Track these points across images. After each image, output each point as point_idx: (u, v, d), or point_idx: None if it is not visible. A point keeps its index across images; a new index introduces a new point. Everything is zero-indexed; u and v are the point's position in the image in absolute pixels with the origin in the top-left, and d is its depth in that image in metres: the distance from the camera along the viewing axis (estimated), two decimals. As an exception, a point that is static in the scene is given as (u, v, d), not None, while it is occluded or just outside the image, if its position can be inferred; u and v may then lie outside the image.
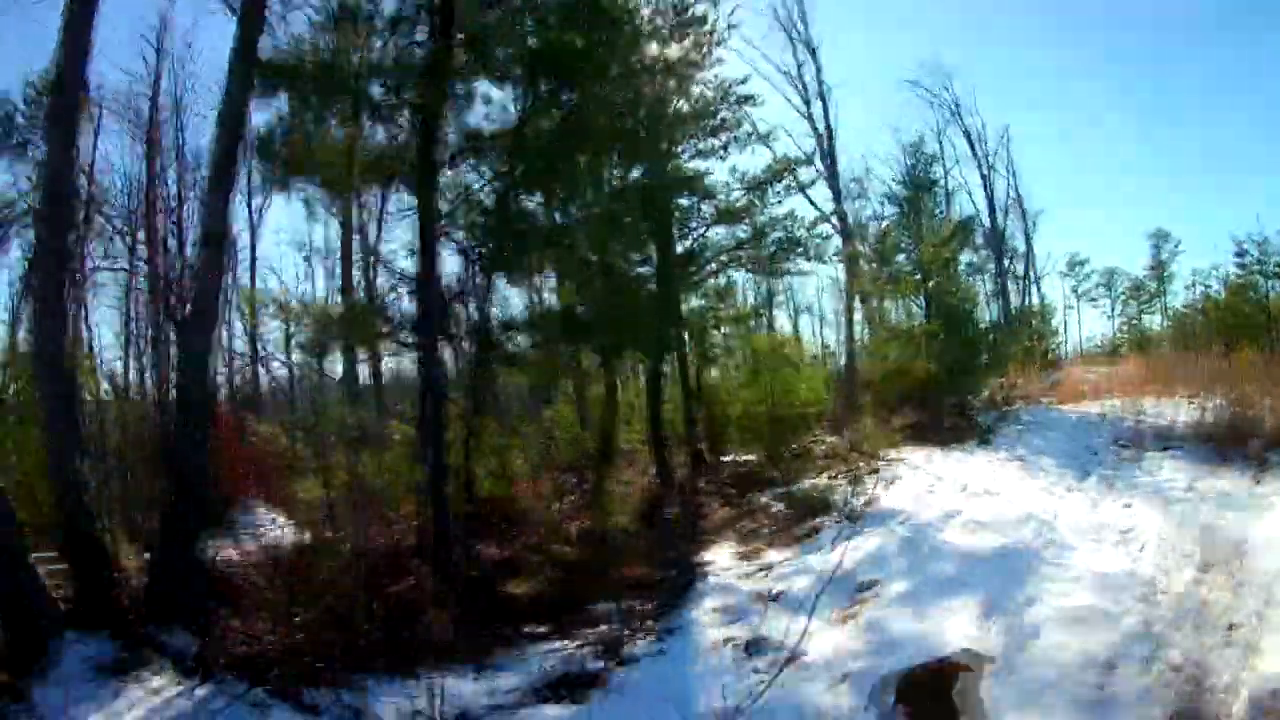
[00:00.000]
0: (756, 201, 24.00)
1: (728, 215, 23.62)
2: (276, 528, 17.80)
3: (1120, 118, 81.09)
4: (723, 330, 27.32)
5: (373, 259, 21.47)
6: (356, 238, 33.59)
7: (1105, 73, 79.28)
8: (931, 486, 16.53)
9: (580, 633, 11.90)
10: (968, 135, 45.81)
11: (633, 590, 13.38)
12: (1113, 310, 63.74)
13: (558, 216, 17.54)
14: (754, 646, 10.31)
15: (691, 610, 11.97)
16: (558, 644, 11.59)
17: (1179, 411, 19.40)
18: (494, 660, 11.25)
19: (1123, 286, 62.69)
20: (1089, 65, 79.60)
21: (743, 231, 24.37)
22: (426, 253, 15.60)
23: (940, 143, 44.83)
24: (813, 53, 37.42)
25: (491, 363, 17.62)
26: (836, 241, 28.67)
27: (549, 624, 12.49)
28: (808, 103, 37.21)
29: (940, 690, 8.73)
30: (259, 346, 33.96)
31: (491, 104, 16.70)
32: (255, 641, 11.58)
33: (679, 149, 22.67)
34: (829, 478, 18.98)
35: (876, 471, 18.62)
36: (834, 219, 34.11)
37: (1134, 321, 60.48)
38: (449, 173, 16.68)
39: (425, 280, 15.64)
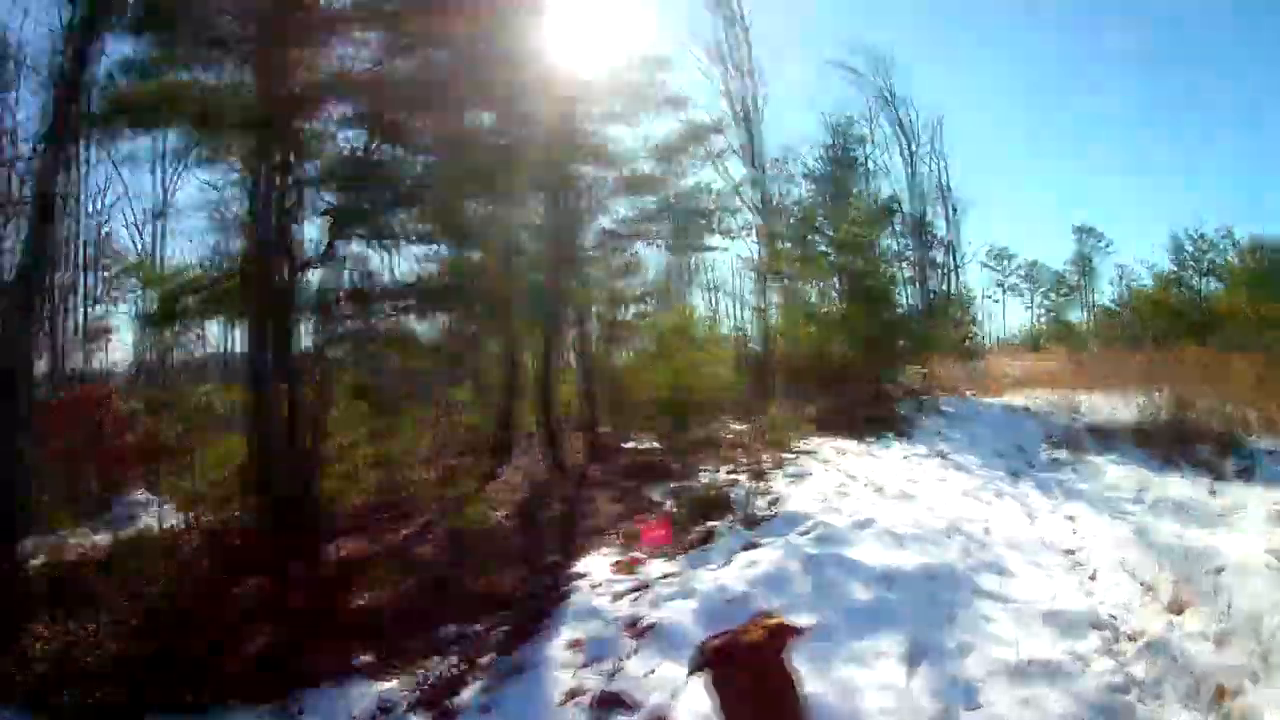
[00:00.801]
0: (667, 172, 21.54)
1: (634, 184, 21.10)
2: (156, 515, 16.26)
3: (1055, 114, 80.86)
4: (629, 308, 25.05)
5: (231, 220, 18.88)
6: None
7: (1043, 68, 79.02)
8: (843, 485, 14.16)
9: (413, 665, 9.54)
10: (898, 122, 44.22)
11: (490, 607, 10.93)
12: (1033, 303, 62.78)
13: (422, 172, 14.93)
14: (607, 705, 7.81)
15: (545, 642, 9.44)
16: (383, 682, 9.25)
17: (1116, 409, 17.50)
18: (300, 700, 8.94)
19: (1046, 280, 61.79)
20: (1027, 59, 79.24)
21: (649, 203, 21.87)
22: (263, 210, 13.09)
23: (870, 128, 43.26)
24: (742, 27, 35.61)
25: (339, 337, 15.14)
26: (747, 216, 26.32)
27: (382, 650, 10.03)
28: (735, 80, 35.48)
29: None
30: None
31: (356, 44, 14.23)
32: (65, 656, 9.79)
33: (577, 108, 20.05)
34: (730, 471, 16.59)
35: (783, 465, 16.32)
36: (754, 198, 32.29)
37: (1056, 315, 59.42)
38: (307, 125, 14.15)
39: (260, 240, 13.17)
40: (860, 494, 13.46)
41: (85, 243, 35.63)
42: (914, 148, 44.71)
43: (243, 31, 13.16)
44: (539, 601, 10.80)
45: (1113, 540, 10.36)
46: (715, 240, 23.79)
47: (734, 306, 47.15)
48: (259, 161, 13.35)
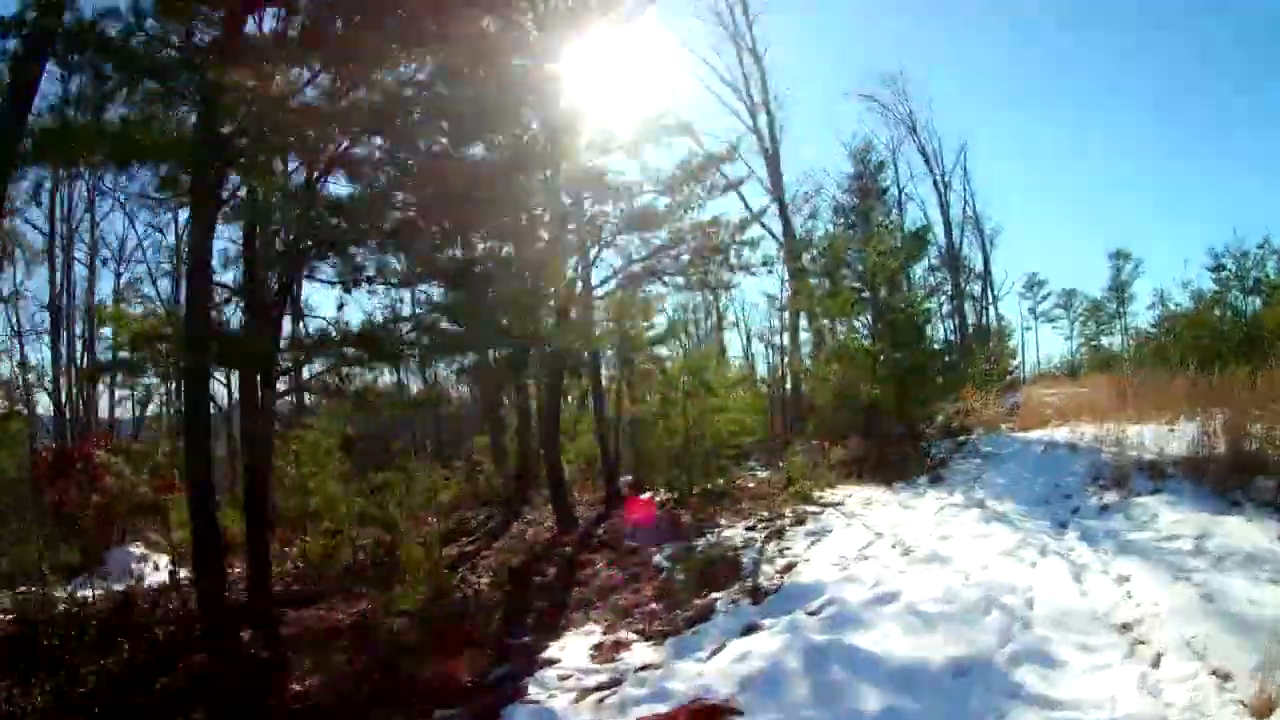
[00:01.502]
0: (678, 204, 19.69)
1: (642, 219, 19.28)
2: (148, 567, 16.20)
3: (1082, 136, 78.89)
4: (646, 351, 23.34)
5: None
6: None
7: (1067, 88, 77.48)
8: (868, 545, 12.31)
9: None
10: (922, 151, 42.70)
11: (436, 702, 9.07)
12: (1071, 331, 60.93)
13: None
14: None
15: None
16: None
17: (1165, 440, 15.62)
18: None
19: (1082, 307, 60.05)
20: (1050, 80, 77.40)
21: (660, 238, 19.97)
22: (198, 249, 11.54)
23: (895, 160, 41.76)
24: (757, 60, 34.55)
25: (290, 392, 13.58)
26: (767, 248, 24.41)
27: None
28: (754, 115, 34.51)
29: None
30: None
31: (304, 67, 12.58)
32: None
33: (577, 139, 18.20)
34: (748, 527, 14.93)
35: (804, 520, 14.56)
36: (779, 232, 31.03)
37: (1093, 342, 57.47)
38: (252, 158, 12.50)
39: (197, 285, 11.60)
40: (885, 556, 11.60)
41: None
42: (943, 177, 43.20)
43: (180, 58, 11.68)
44: (493, 697, 8.98)
45: (1176, 609, 8.36)
46: (734, 277, 21.92)
47: (764, 347, 45.58)
48: (194, 198, 11.85)
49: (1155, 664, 7.39)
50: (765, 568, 11.94)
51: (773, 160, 34.35)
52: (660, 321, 23.62)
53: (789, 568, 11.76)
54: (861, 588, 9.85)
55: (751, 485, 19.12)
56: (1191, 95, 76.90)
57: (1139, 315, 55.35)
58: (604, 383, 22.28)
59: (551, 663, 9.73)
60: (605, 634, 10.53)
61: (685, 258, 19.89)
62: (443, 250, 13.58)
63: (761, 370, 39.25)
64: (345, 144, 12.37)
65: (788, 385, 32.33)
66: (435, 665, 10.19)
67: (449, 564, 15.53)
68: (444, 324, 13.88)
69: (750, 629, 9.39)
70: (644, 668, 8.94)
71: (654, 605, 11.37)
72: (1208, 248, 29.82)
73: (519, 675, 9.46)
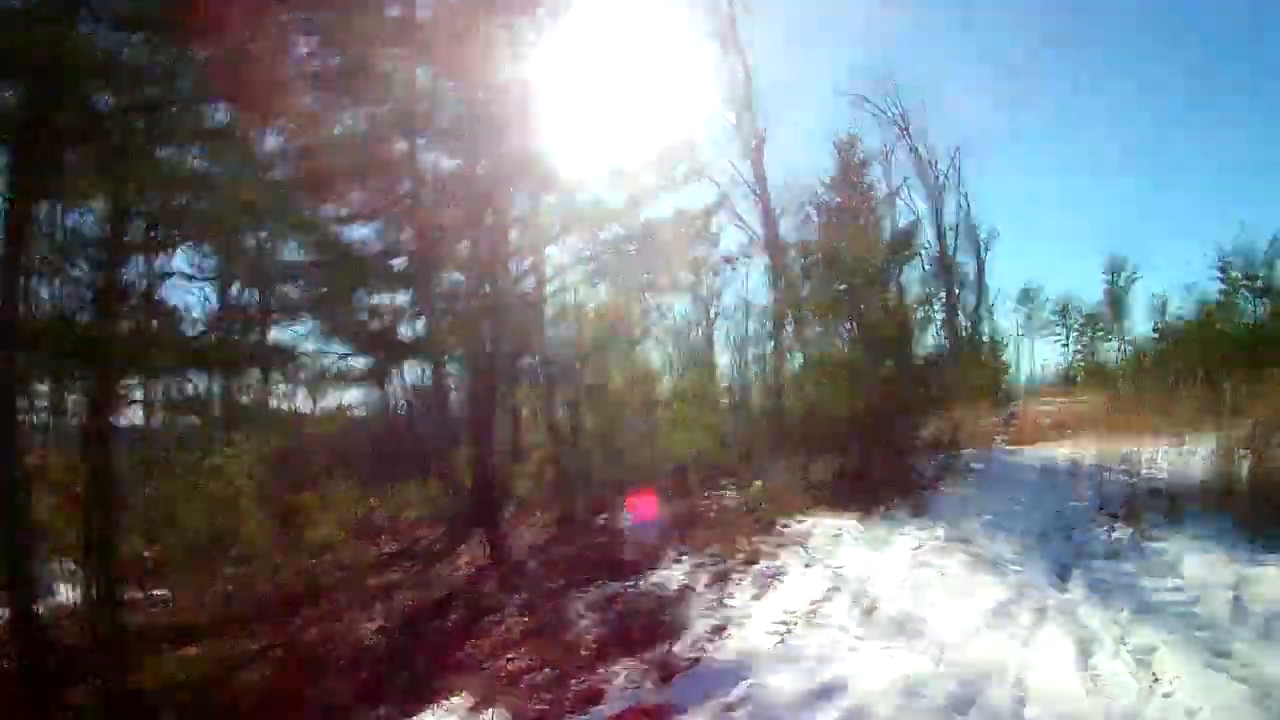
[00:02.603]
0: (634, 198, 17.15)
1: (593, 215, 16.73)
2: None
3: (1084, 140, 76.36)
4: (616, 360, 20.92)
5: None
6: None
7: (1068, 92, 75.42)
8: (823, 598, 9.76)
9: None
10: (915, 152, 40.41)
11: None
12: (1067, 340, 58.81)
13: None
14: None
15: None
16: None
17: (1178, 463, 13.52)
18: None
19: (1078, 319, 57.96)
20: (1052, 83, 74.86)
21: (616, 235, 17.46)
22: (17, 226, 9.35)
23: (888, 163, 39.91)
24: (742, 57, 33.01)
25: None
26: (731, 242, 22.10)
27: None
28: (737, 115, 32.82)
29: None
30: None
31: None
32: None
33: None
34: (694, 564, 12.39)
35: (759, 558, 12.07)
36: (759, 233, 29.73)
37: (1090, 353, 55.31)
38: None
39: (8, 270, 9.36)
40: (841, 616, 9.04)
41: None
42: (936, 180, 41.11)
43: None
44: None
45: (1219, 712, 5.85)
46: (700, 277, 19.55)
47: (752, 359, 43.67)
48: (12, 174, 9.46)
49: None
50: (696, 625, 9.44)
51: (757, 163, 32.29)
52: (617, 327, 21.26)
53: (719, 629, 9.21)
54: (799, 672, 7.25)
55: (716, 509, 16.67)
56: (1197, 95, 74.58)
57: (1137, 323, 53.78)
58: (564, 393, 19.83)
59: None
60: (474, 711, 7.99)
61: (640, 254, 17.36)
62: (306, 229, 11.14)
63: (733, 383, 37.29)
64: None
65: (766, 400, 30.14)
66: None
67: (371, 597, 13.20)
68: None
69: (641, 731, 6.79)
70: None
71: (545, 671, 8.79)
72: (1214, 244, 27.22)
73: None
